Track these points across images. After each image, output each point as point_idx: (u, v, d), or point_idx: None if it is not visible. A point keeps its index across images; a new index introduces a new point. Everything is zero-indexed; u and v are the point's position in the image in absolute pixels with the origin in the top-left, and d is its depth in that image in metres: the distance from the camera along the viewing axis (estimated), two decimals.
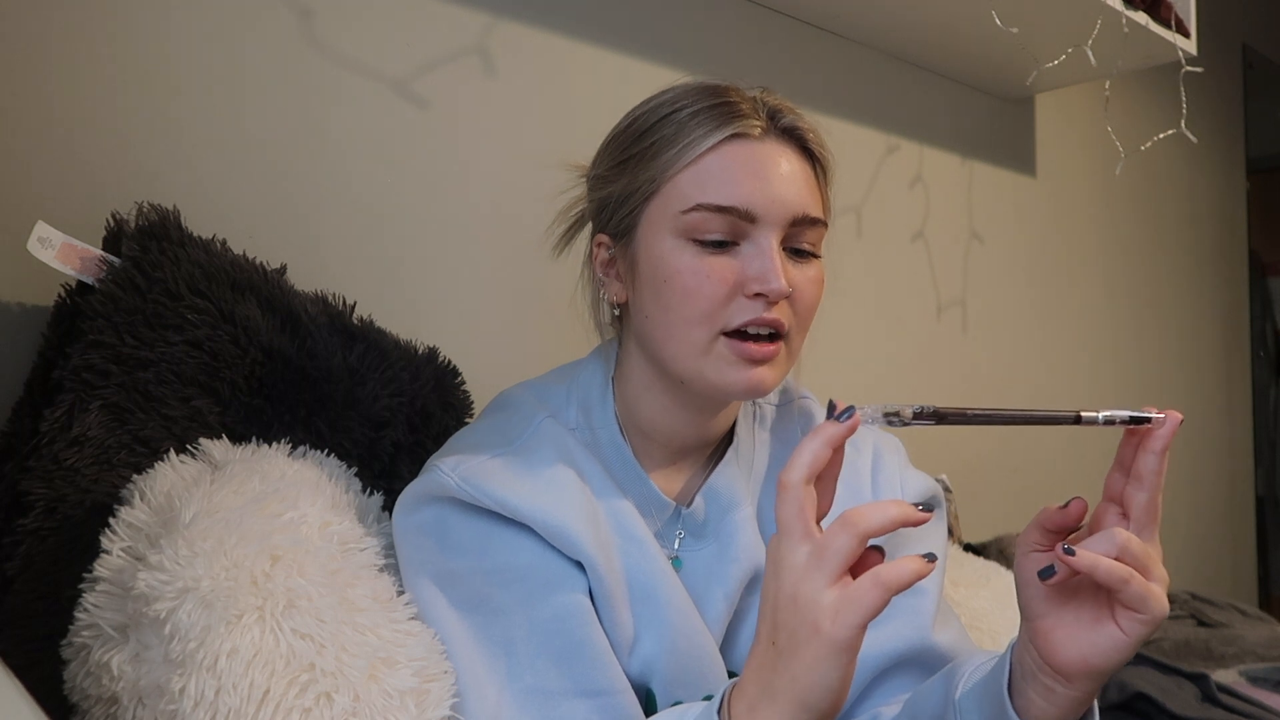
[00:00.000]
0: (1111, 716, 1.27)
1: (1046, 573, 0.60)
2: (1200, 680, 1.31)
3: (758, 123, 0.73)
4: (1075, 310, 2.15)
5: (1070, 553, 0.58)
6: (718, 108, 0.73)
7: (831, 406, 0.57)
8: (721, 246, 0.72)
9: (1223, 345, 2.75)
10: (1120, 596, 0.58)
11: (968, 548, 1.60)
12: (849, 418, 0.56)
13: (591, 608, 0.72)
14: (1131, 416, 0.59)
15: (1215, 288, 2.72)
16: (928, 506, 0.56)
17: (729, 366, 0.72)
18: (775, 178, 0.72)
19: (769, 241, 0.71)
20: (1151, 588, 0.57)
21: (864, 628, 0.54)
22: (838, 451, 0.58)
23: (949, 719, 0.69)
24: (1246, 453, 2.88)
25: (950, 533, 1.55)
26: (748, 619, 0.79)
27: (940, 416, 0.57)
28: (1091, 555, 0.57)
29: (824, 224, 0.75)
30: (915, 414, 0.57)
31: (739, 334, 0.72)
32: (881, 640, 0.78)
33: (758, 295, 0.71)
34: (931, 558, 0.55)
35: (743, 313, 0.71)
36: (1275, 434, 3.05)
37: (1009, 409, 0.59)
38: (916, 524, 0.55)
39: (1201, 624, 1.75)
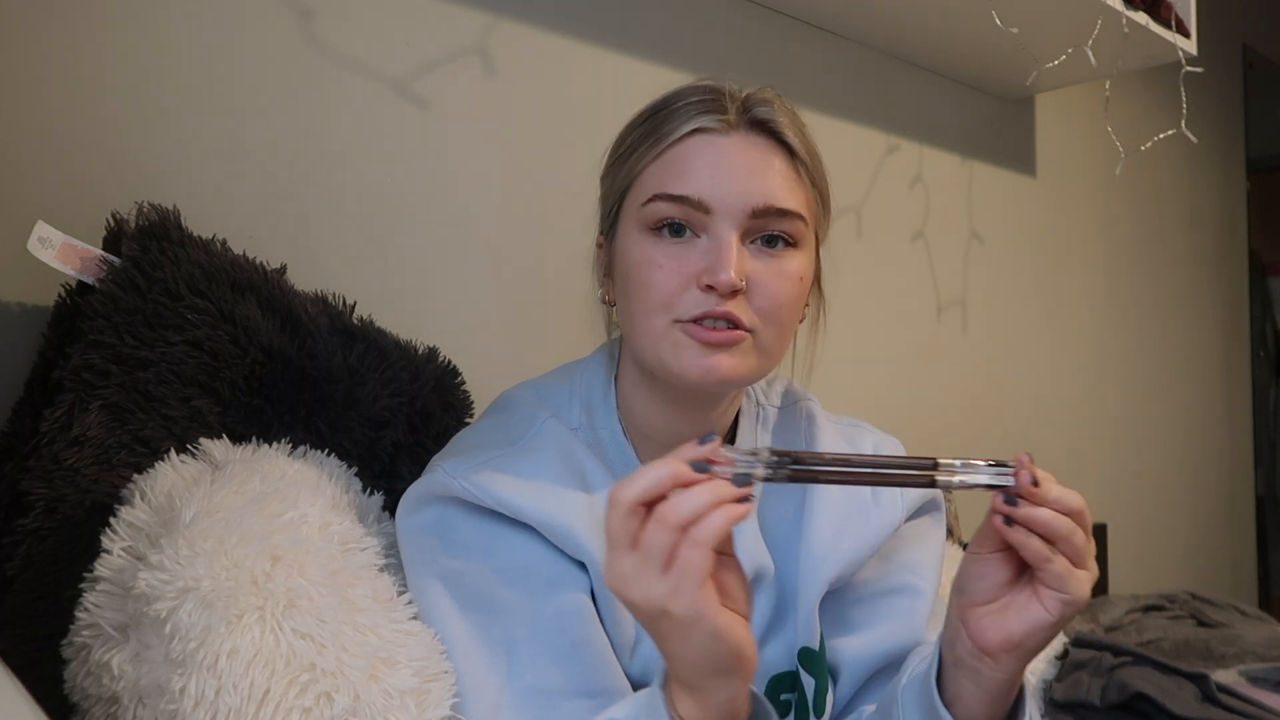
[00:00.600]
0: (1111, 716, 1.27)
1: (1011, 501, 0.60)
2: (1200, 680, 1.31)
3: (726, 116, 0.72)
4: (1075, 310, 2.15)
5: (1012, 503, 0.59)
6: (694, 104, 0.73)
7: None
8: (680, 237, 0.72)
9: (1223, 345, 2.75)
10: (1041, 575, 0.60)
11: (966, 548, 1.60)
12: (703, 469, 0.57)
13: (593, 608, 0.72)
14: (989, 482, 0.59)
15: (1215, 288, 2.72)
16: (707, 437, 0.57)
17: (684, 351, 0.71)
18: (732, 169, 0.71)
19: (725, 234, 0.71)
20: (1075, 571, 0.60)
21: (704, 586, 0.55)
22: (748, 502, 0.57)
23: (893, 712, 0.70)
24: (1246, 453, 2.88)
25: (950, 533, 1.55)
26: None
27: (795, 473, 0.57)
28: (1023, 533, 0.59)
29: (799, 216, 0.73)
30: (768, 465, 0.57)
31: (694, 321, 0.71)
32: (875, 640, 0.78)
33: (709, 288, 0.70)
34: (742, 481, 0.56)
35: (696, 304, 0.71)
36: (1275, 434, 3.05)
37: (863, 468, 0.59)
38: (702, 459, 0.56)
39: (1201, 624, 1.75)
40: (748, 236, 0.72)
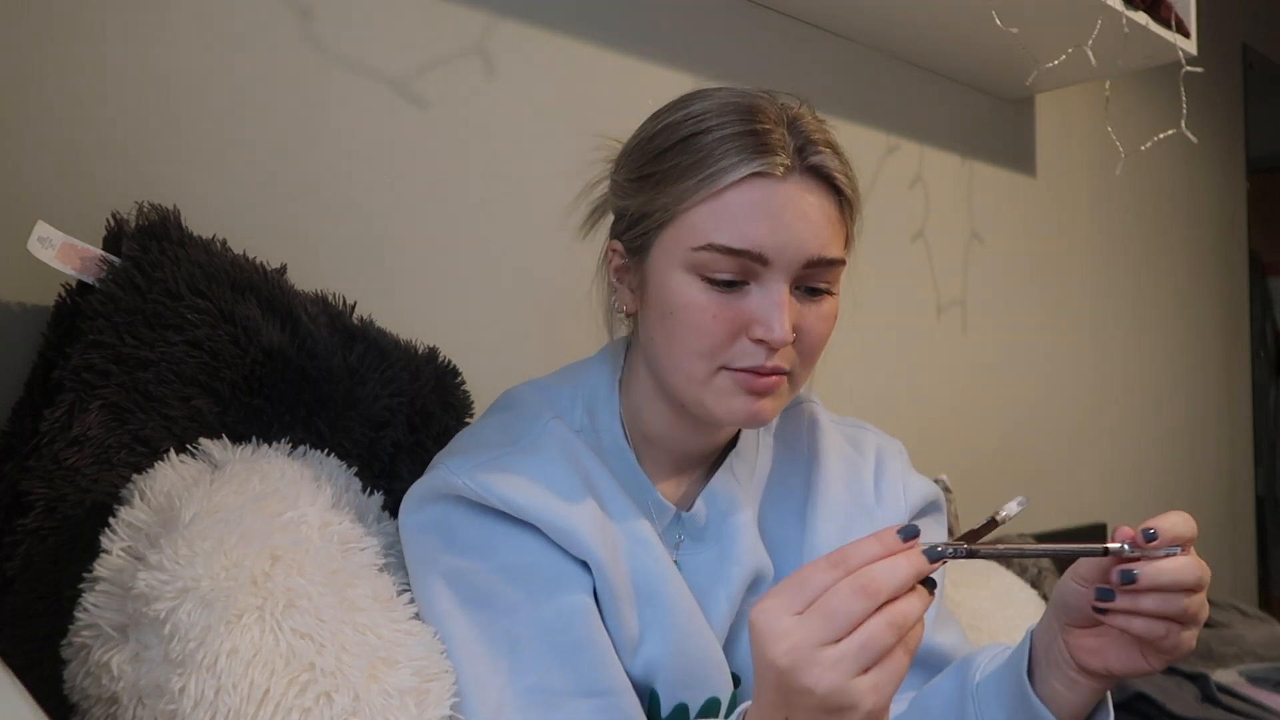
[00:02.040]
0: None
1: (1105, 595, 0.62)
2: (1200, 680, 1.31)
3: (783, 160, 0.69)
4: (1075, 310, 2.15)
5: (1107, 596, 0.61)
6: (744, 137, 0.70)
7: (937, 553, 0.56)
8: (731, 285, 0.70)
9: (1223, 345, 2.75)
10: (1156, 644, 0.62)
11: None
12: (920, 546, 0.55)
13: (595, 608, 0.72)
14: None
15: (1215, 288, 2.72)
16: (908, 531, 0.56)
17: (729, 397, 0.72)
18: (793, 221, 0.69)
19: (778, 287, 0.70)
20: (1185, 638, 0.62)
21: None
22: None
23: (968, 708, 0.70)
24: (1246, 453, 2.88)
25: (950, 533, 1.55)
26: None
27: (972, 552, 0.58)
28: (1125, 618, 0.61)
29: (843, 262, 0.74)
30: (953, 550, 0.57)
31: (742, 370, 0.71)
32: None
33: (760, 340, 0.70)
34: (930, 586, 0.56)
35: (745, 356, 0.71)
36: (1275, 434, 3.05)
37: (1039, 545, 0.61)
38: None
39: None
40: (795, 284, 0.71)
